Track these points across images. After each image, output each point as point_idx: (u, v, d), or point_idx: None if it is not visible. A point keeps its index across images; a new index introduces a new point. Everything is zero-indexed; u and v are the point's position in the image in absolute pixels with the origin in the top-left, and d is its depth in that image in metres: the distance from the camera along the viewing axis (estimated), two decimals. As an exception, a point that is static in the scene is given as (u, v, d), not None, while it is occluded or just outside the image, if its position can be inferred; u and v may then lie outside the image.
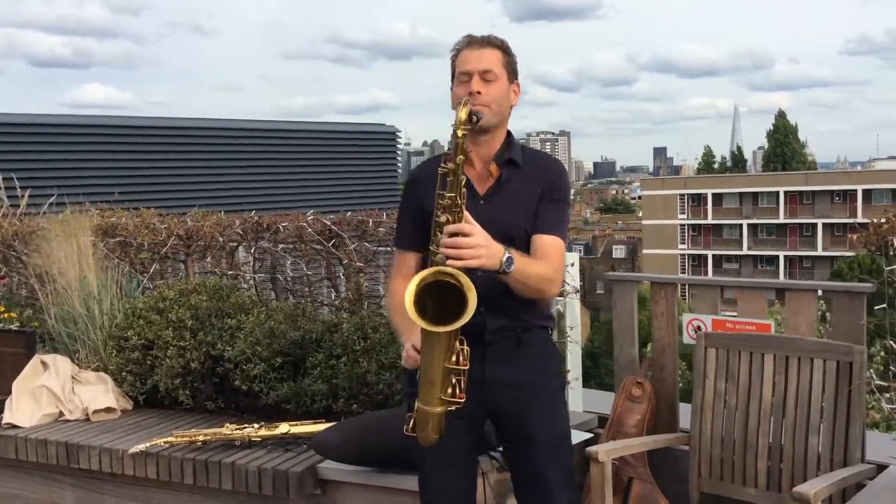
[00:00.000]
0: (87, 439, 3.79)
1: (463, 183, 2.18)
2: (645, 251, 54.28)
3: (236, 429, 3.57)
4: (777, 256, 51.74)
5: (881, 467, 2.94)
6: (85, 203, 5.47)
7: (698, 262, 53.76)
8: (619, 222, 74.49)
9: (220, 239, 4.92)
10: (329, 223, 4.36)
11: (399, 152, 22.32)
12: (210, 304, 4.21)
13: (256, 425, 3.58)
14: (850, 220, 49.21)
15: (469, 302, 2.06)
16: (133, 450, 3.58)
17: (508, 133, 2.50)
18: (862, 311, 3.17)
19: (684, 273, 51.22)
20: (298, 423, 3.54)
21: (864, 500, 2.73)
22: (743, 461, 3.19)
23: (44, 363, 4.25)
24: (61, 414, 4.12)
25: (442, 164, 2.19)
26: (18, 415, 4.04)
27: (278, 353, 3.76)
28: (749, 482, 3.18)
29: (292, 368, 3.79)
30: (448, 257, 2.12)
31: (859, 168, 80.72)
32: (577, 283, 3.92)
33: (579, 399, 4.00)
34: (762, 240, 52.89)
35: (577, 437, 3.52)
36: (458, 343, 2.19)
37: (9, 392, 4.11)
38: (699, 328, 3.59)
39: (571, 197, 2.58)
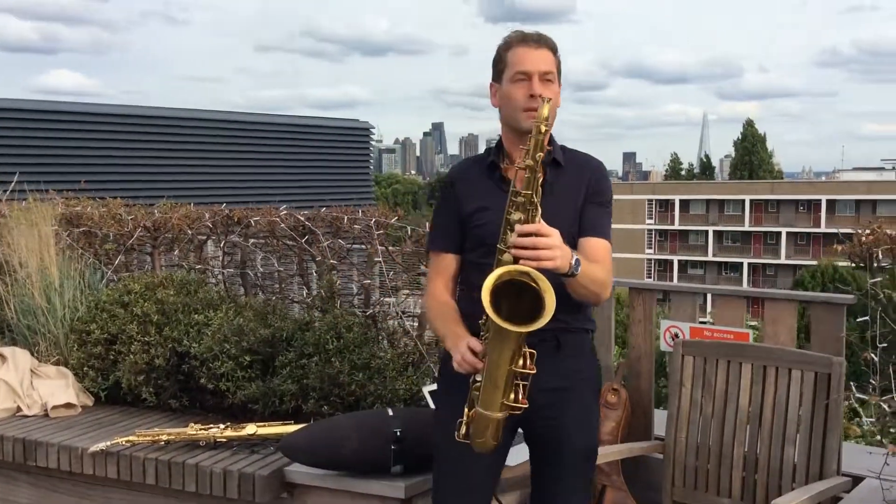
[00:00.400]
0: (45, 436, 3.67)
1: (540, 181, 2.12)
2: (612, 255, 54.65)
3: (201, 429, 3.47)
4: (741, 263, 52.45)
5: (857, 480, 2.92)
6: (49, 191, 5.35)
7: (664, 267, 54.33)
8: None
9: (189, 232, 4.82)
10: (303, 219, 4.27)
11: (371, 149, 22.19)
12: (177, 298, 4.11)
13: (222, 425, 3.49)
14: (814, 230, 50.05)
15: (546, 303, 2.00)
16: (93, 448, 3.47)
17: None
18: (841, 322, 3.15)
19: (650, 278, 51.69)
20: (266, 424, 3.46)
21: (842, 513, 2.71)
22: (718, 471, 3.16)
23: (2, 356, 4.13)
24: (19, 409, 4.00)
25: (518, 162, 2.14)
26: (-27, 409, 3.91)
27: (247, 352, 3.67)
28: (723, 492, 3.15)
29: (261, 367, 3.70)
30: (521, 257, 2.06)
31: (824, 178, 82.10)
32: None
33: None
34: (727, 246, 53.60)
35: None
36: (525, 346, 2.11)
37: (-36, 385, 3.98)
38: (677, 336, 3.55)
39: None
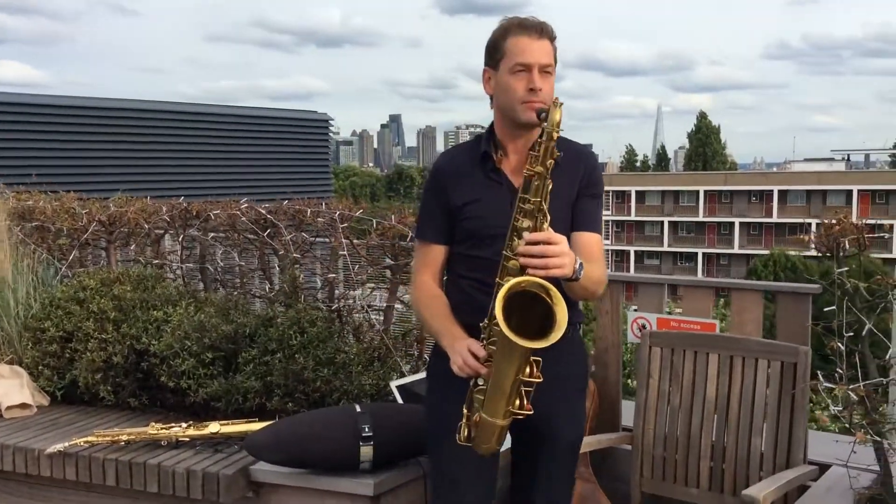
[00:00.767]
0: (-2, 438, 3.54)
1: (549, 188, 2.07)
2: (570, 246, 55.13)
3: (162, 428, 3.38)
4: (696, 253, 53.24)
5: (824, 468, 2.95)
6: (-2, 185, 5.19)
7: (621, 258, 54.90)
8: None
9: (146, 226, 4.70)
10: (264, 212, 4.19)
11: (329, 141, 21.97)
12: (134, 294, 4.00)
13: (184, 424, 3.40)
14: (766, 220, 50.98)
15: (558, 316, 1.95)
16: (50, 449, 3.36)
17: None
18: (807, 312, 3.18)
19: (608, 269, 52.20)
20: (229, 422, 3.38)
21: (810, 502, 2.73)
22: (686, 461, 3.18)
23: (-49, 356, 3.98)
24: (-30, 410, 3.85)
25: (528, 168, 2.07)
26: (-78, 411, 3.77)
27: (209, 348, 3.59)
28: (692, 482, 3.17)
29: (223, 364, 3.62)
30: (530, 266, 2.00)
31: (775, 169, 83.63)
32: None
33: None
34: (682, 237, 54.36)
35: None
36: (531, 355, 2.06)
37: (-89, 386, 3.83)
38: (644, 327, 3.56)
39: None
